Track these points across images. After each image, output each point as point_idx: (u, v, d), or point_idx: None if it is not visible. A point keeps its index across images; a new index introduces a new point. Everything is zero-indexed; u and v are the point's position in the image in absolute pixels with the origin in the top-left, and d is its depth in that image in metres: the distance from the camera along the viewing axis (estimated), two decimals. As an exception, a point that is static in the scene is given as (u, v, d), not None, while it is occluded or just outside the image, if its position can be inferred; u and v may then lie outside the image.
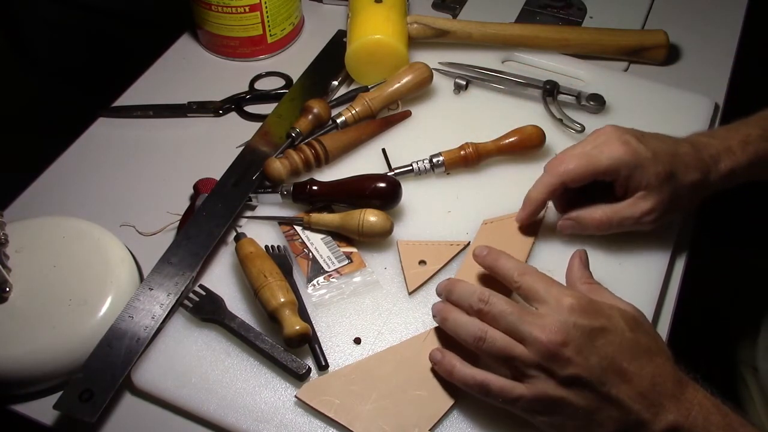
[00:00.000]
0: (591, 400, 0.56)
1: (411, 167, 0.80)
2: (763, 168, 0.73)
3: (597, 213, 0.70)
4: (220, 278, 0.71)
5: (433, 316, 0.64)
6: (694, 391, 0.57)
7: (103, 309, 0.67)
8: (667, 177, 0.68)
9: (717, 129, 0.75)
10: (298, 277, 0.71)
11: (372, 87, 0.89)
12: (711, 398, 0.57)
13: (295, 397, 0.63)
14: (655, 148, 0.69)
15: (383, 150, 0.83)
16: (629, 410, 0.55)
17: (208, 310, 0.68)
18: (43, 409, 0.64)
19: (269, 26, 0.95)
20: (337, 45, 0.95)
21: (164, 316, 0.67)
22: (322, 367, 0.65)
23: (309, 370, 0.64)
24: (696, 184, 0.70)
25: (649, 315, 0.69)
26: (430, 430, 0.61)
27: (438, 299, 0.65)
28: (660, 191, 0.69)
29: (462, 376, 0.60)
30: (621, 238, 0.72)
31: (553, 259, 0.72)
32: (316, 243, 0.74)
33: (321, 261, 0.72)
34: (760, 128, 0.73)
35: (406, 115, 0.88)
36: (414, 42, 0.94)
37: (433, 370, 0.64)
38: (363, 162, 0.83)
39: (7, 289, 0.67)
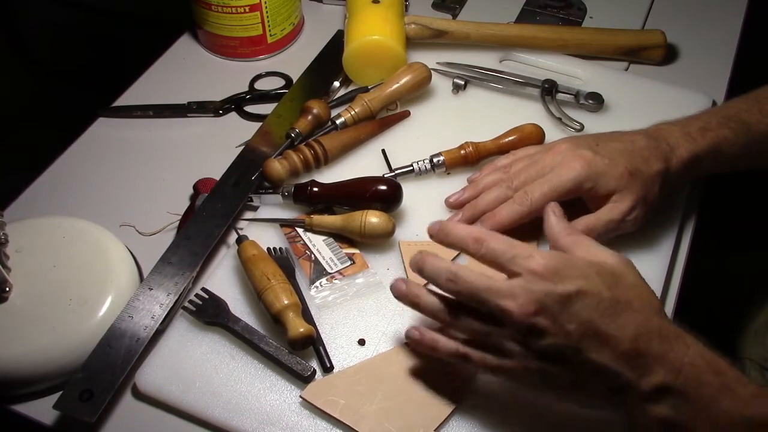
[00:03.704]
0: (572, 367, 0.55)
1: (411, 167, 0.80)
2: (725, 158, 0.74)
3: (580, 226, 0.70)
4: (223, 281, 0.71)
5: (397, 296, 0.62)
6: (684, 348, 0.55)
7: (103, 309, 0.67)
8: (631, 174, 0.69)
9: (680, 117, 0.76)
10: (301, 279, 0.71)
11: (372, 88, 0.89)
12: (704, 355, 0.55)
13: (300, 397, 0.63)
14: (611, 152, 0.71)
15: (383, 151, 0.83)
16: (614, 372, 0.54)
17: (211, 314, 0.68)
18: (43, 409, 0.64)
19: (269, 26, 0.95)
20: (336, 45, 0.95)
21: (164, 316, 0.68)
22: (327, 369, 0.65)
23: (314, 372, 0.64)
24: (661, 172, 0.71)
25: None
26: (435, 430, 0.61)
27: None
28: (631, 189, 0.70)
29: (447, 350, 0.59)
30: (621, 238, 0.72)
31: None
32: (318, 245, 0.74)
33: (323, 263, 0.72)
34: (720, 116, 0.75)
35: (405, 115, 0.88)
36: (412, 42, 0.94)
37: (439, 369, 0.63)
38: (362, 162, 0.83)
39: (7, 289, 0.67)
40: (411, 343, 0.63)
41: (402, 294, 0.61)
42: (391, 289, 0.62)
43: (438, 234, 0.62)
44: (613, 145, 0.72)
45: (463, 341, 0.59)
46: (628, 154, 0.71)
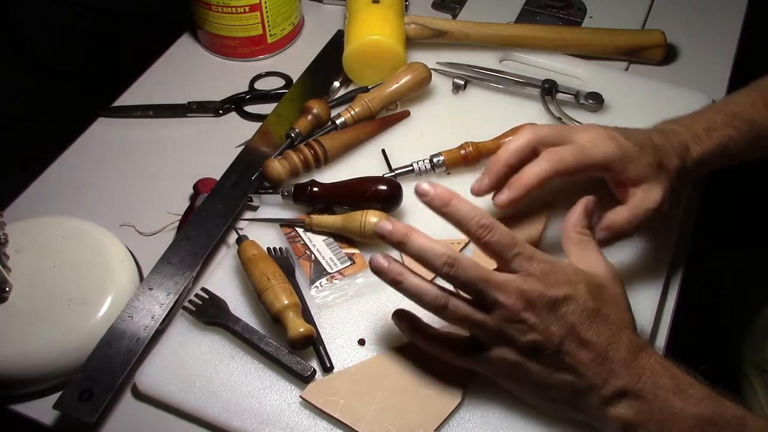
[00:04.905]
0: (547, 365, 0.58)
1: (411, 167, 0.80)
2: (732, 156, 0.74)
3: (624, 213, 0.68)
4: (223, 281, 0.71)
5: (374, 271, 0.60)
6: (647, 356, 0.58)
7: (103, 309, 0.67)
8: (659, 166, 0.69)
9: (683, 116, 0.75)
10: (301, 279, 0.71)
11: (372, 87, 0.89)
12: (663, 362, 0.58)
13: (300, 397, 0.63)
14: (639, 141, 0.70)
15: (383, 151, 0.83)
16: (582, 375, 0.57)
17: (211, 314, 0.68)
18: (43, 409, 0.64)
19: (269, 26, 0.95)
20: (336, 45, 0.95)
21: (164, 316, 0.68)
22: (327, 368, 0.65)
23: (314, 372, 0.64)
24: (679, 169, 0.70)
25: (650, 315, 0.69)
26: (435, 430, 0.61)
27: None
28: (659, 179, 0.69)
29: (426, 344, 0.62)
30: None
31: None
32: (318, 244, 0.74)
33: (323, 263, 0.72)
34: (724, 114, 0.74)
35: (405, 115, 0.88)
36: (412, 42, 0.94)
37: (439, 369, 0.63)
38: (362, 162, 0.83)
39: (7, 289, 0.67)
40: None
41: (382, 270, 0.59)
42: (370, 263, 0.60)
43: (434, 200, 0.59)
44: (639, 136, 0.70)
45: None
46: (653, 147, 0.69)
